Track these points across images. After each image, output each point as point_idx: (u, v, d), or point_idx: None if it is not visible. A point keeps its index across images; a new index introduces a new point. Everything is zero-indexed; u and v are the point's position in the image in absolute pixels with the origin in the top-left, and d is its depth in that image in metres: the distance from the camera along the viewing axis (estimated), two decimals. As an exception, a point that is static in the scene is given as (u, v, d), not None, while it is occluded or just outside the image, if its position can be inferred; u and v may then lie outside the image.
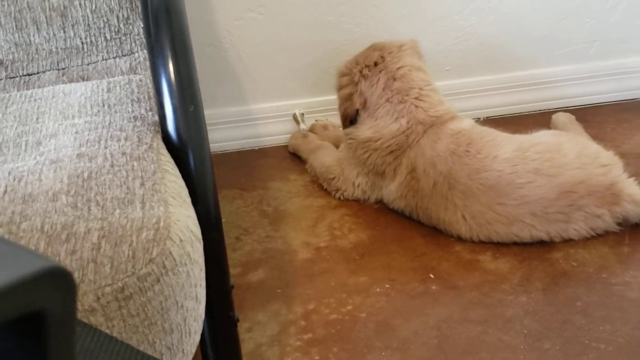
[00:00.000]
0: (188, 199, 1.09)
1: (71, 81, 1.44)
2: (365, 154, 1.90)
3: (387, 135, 1.85)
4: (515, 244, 1.74)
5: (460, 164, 1.75)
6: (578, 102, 2.35)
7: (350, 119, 1.96)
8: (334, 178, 1.98)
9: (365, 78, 1.91)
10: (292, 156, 2.21)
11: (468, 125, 1.84)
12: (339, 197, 1.97)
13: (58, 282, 0.39)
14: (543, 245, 1.73)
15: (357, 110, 1.93)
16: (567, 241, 1.73)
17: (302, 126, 2.23)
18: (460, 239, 1.77)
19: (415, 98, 1.86)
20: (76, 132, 1.17)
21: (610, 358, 1.43)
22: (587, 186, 1.69)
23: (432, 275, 1.68)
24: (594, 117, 2.27)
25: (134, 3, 1.55)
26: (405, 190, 1.84)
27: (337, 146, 2.09)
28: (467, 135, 1.79)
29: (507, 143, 1.77)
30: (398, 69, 1.90)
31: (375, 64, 1.91)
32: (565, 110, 2.27)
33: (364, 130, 1.90)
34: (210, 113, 2.11)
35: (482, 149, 1.76)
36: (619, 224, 1.74)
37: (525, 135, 1.85)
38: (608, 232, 1.74)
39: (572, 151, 1.74)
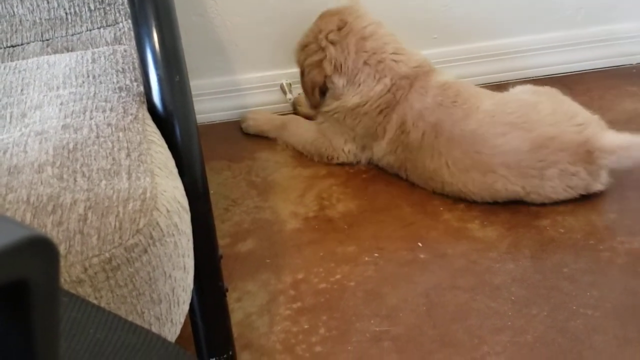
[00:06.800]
0: (175, 170, 1.09)
1: (55, 52, 1.43)
2: (355, 120, 1.90)
3: (374, 97, 1.86)
4: (504, 211, 1.75)
5: (447, 113, 1.78)
6: (565, 69, 2.34)
7: (320, 88, 1.93)
8: (323, 149, 1.97)
9: (333, 44, 1.88)
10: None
11: (451, 77, 1.87)
12: (335, 163, 1.97)
13: (41, 251, 0.39)
14: (531, 212, 1.74)
15: (326, 78, 1.90)
16: (555, 208, 1.74)
17: (289, 96, 2.21)
18: (447, 208, 1.78)
19: (393, 53, 1.87)
20: (61, 104, 1.16)
21: (598, 323, 1.44)
22: (559, 142, 1.70)
23: (420, 244, 1.69)
24: (581, 85, 2.27)
25: (117, -28, 1.53)
26: (395, 145, 1.85)
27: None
28: (455, 87, 1.83)
29: (489, 97, 1.82)
30: (364, 27, 1.88)
31: (339, 29, 1.88)
32: (552, 77, 2.27)
33: (350, 98, 1.89)
34: (196, 84, 2.09)
35: (468, 100, 1.79)
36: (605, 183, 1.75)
37: (506, 92, 1.89)
38: (595, 199, 1.75)
39: (548, 108, 1.76)
